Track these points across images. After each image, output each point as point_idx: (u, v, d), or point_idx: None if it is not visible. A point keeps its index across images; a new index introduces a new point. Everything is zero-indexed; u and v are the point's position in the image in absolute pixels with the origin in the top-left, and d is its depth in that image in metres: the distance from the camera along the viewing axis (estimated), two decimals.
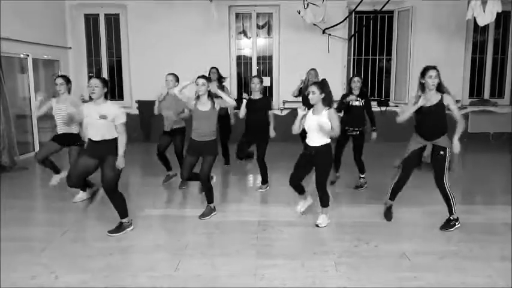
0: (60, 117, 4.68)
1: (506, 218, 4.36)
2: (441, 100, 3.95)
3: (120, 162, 3.88)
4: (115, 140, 3.88)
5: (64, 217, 4.29)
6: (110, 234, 3.99)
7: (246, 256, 3.55)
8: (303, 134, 4.28)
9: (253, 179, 6.12)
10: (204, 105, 4.39)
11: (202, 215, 4.45)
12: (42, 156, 4.84)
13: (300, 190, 4.38)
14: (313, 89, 4.00)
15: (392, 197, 4.35)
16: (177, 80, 5.34)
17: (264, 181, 5.46)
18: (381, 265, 3.36)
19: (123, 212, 4.07)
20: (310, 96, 4.01)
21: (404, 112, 4.07)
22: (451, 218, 4.09)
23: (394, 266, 3.36)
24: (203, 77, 4.42)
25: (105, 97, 3.90)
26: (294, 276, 3.19)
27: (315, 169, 4.16)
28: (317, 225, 4.16)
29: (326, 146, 4.08)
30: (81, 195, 4.98)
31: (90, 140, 3.92)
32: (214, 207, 4.56)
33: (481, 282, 3.10)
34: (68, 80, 4.83)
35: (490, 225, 4.21)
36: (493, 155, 7.72)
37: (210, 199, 4.53)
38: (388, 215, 4.37)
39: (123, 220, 4.08)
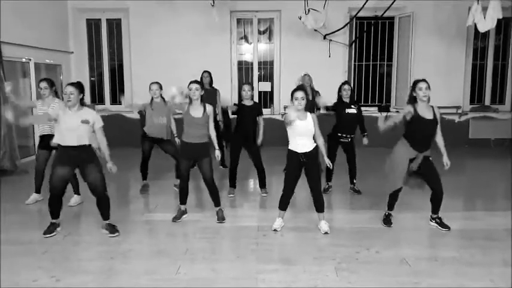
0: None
1: (507, 224, 4.36)
2: (435, 115, 4.07)
3: (111, 166, 4.03)
4: (90, 146, 3.98)
5: (65, 221, 4.29)
6: (113, 235, 4.04)
7: (247, 261, 3.55)
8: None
9: (253, 183, 6.12)
10: (197, 110, 4.35)
11: (221, 219, 4.47)
12: (42, 168, 4.97)
13: (286, 207, 4.29)
14: (302, 95, 3.99)
15: (391, 208, 4.42)
16: (161, 88, 5.35)
17: (264, 185, 5.49)
18: (382, 271, 3.36)
19: (108, 212, 4.16)
20: (300, 103, 3.97)
21: (390, 120, 4.14)
22: (440, 216, 4.31)
23: (395, 271, 3.35)
24: (196, 82, 4.39)
25: (81, 103, 3.95)
26: (295, 281, 3.19)
27: (310, 175, 4.11)
28: (327, 233, 4.12)
29: (316, 148, 4.10)
30: (76, 199, 5.05)
31: (62, 147, 3.88)
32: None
33: None
34: (51, 84, 4.88)
35: (491, 231, 4.20)
36: (494, 161, 7.71)
37: (219, 202, 4.57)
38: (387, 221, 4.39)
39: (108, 221, 4.16)
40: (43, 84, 4.81)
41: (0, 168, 6.44)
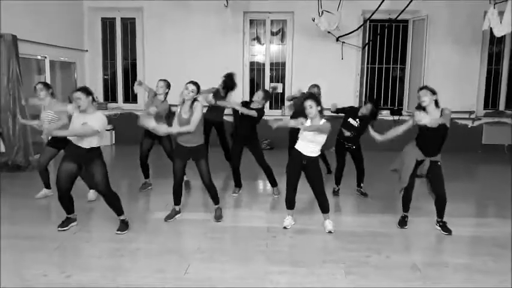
0: (47, 122, 4.82)
1: None
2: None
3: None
4: (98, 148, 3.97)
5: (78, 216, 4.32)
6: (121, 233, 4.07)
7: (255, 262, 3.55)
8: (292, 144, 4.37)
9: (263, 184, 6.11)
10: (186, 113, 4.26)
11: (218, 218, 4.49)
12: (44, 164, 4.99)
13: (293, 205, 4.36)
14: (311, 103, 4.03)
15: (406, 209, 4.41)
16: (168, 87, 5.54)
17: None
18: (392, 276, 3.33)
19: (120, 209, 4.16)
20: (309, 111, 4.03)
21: (396, 129, 4.24)
22: (445, 221, 4.28)
23: (406, 277, 3.32)
24: (193, 83, 4.28)
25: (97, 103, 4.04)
26: (303, 283, 3.18)
27: (311, 178, 4.19)
28: (331, 232, 4.17)
29: (317, 157, 4.19)
30: (92, 194, 5.08)
31: (71, 144, 3.92)
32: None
33: None
34: (48, 86, 4.94)
35: (503, 238, 4.14)
36: (508, 167, 7.58)
37: (217, 200, 4.58)
38: (402, 223, 4.40)
39: (122, 217, 4.17)
40: (39, 86, 4.87)
41: (14, 164, 6.53)
